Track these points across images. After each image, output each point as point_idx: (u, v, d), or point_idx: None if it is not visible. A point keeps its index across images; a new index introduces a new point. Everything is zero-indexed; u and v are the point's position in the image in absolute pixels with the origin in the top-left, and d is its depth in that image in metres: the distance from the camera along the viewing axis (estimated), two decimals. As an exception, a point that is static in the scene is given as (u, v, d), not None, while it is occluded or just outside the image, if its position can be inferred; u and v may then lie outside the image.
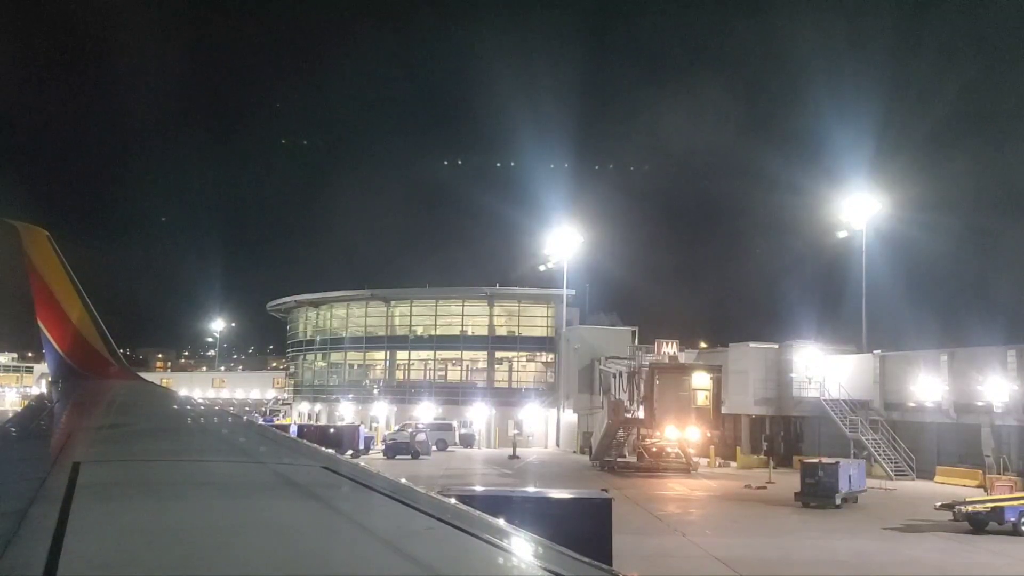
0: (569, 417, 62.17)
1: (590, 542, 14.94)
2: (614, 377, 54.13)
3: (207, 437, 5.84)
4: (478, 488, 20.28)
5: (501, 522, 3.21)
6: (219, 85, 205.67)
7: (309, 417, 71.19)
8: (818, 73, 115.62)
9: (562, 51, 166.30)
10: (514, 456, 53.05)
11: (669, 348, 47.46)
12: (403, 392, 67.23)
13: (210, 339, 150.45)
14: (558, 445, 62.09)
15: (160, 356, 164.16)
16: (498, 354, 66.87)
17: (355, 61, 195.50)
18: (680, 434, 44.20)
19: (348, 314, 71.91)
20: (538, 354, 67.24)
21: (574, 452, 59.09)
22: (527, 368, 67.60)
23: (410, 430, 58.70)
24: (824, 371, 50.70)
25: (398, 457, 51.94)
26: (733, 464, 50.37)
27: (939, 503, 28.50)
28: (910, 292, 62.22)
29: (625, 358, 55.82)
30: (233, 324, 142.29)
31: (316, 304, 73.83)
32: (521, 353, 67.13)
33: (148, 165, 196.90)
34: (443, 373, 68.95)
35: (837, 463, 33.02)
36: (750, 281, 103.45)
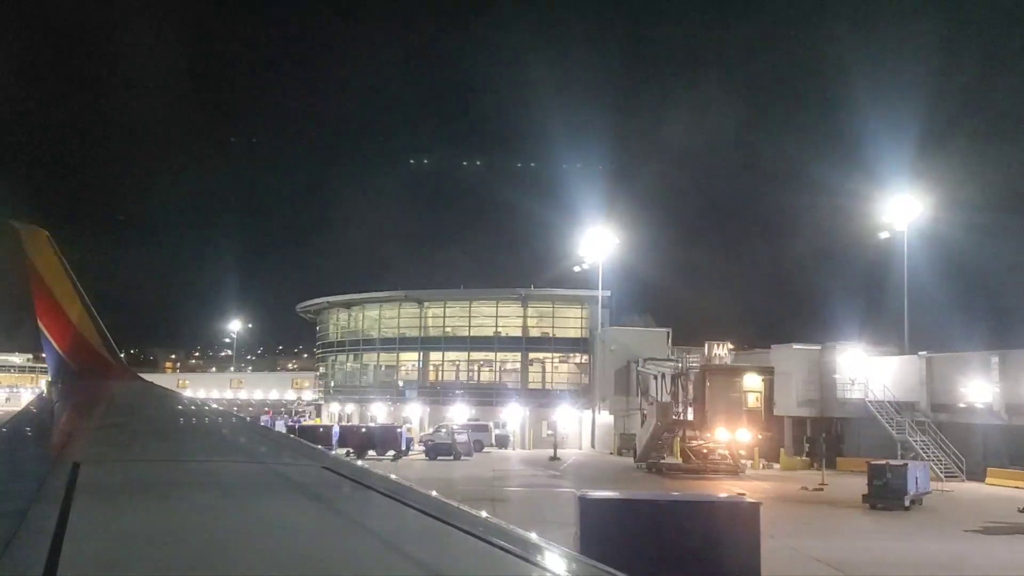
0: (604, 419, 62.10)
1: (738, 548, 14.91)
2: (655, 379, 54.12)
3: (207, 437, 5.82)
4: (616, 493, 20.14)
5: (501, 522, 3.19)
6: (239, 83, 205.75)
7: (340, 418, 71.03)
8: (860, 70, 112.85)
9: (599, 49, 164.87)
10: (555, 458, 52.94)
11: (720, 350, 47.41)
12: (436, 393, 67.18)
13: (227, 340, 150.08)
14: (593, 447, 61.98)
15: (173, 356, 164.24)
16: (531, 355, 66.81)
17: (384, 59, 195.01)
18: (731, 436, 44.15)
19: (380, 315, 71.87)
20: (571, 355, 67.18)
21: (610, 454, 59.03)
22: (560, 369, 67.53)
23: (444, 430, 58.69)
24: (867, 372, 50.71)
25: (439, 458, 51.87)
26: (776, 466, 50.24)
27: (1022, 506, 28.46)
28: (953, 293, 61.97)
29: (664, 359, 55.87)
30: (250, 325, 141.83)
31: (348, 305, 73.81)
32: (555, 354, 67.07)
33: (161, 166, 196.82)
34: (476, 374, 68.92)
35: (905, 465, 33.02)
36: (785, 282, 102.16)
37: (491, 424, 61.17)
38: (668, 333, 61.89)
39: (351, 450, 53.89)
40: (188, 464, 4.16)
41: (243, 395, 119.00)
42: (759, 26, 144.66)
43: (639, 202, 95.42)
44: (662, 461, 47.17)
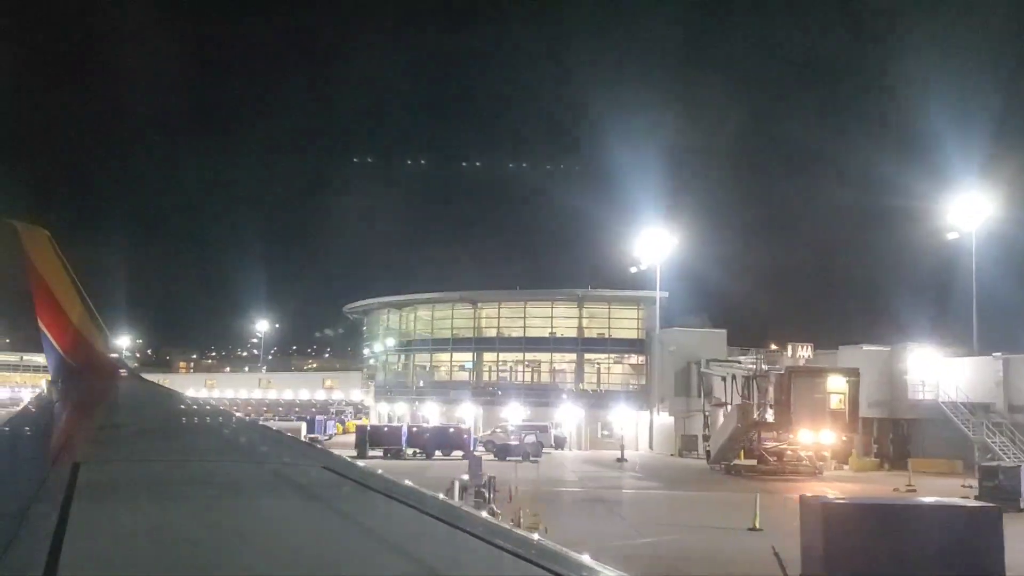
0: (663, 420, 61.97)
1: (984, 554, 14.78)
2: (722, 380, 54.04)
3: (207, 437, 5.82)
4: (860, 498, 20.03)
5: (501, 522, 3.17)
6: (253, 79, 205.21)
7: (389, 418, 70.90)
8: (927, 67, 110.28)
9: (657, 47, 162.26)
10: (622, 459, 52.86)
11: (804, 351, 47.34)
12: (490, 394, 67.03)
13: (249, 340, 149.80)
14: (651, 448, 61.83)
15: (195, 356, 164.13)
16: (587, 356, 66.68)
17: (428, 60, 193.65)
18: (814, 437, 44.12)
19: (433, 315, 71.76)
20: (626, 356, 67.03)
21: (671, 455, 58.91)
22: (615, 370, 67.36)
23: (500, 431, 58.67)
24: (938, 374, 50.74)
25: (508, 459, 51.73)
26: (846, 467, 50.17)
27: None
28: (1021, 294, 61.70)
29: (731, 360, 55.86)
30: (277, 325, 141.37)
31: (399, 306, 73.73)
32: (610, 355, 66.92)
33: (171, 168, 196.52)
34: (531, 375, 68.80)
35: (1019, 467, 32.96)
36: (847, 284, 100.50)
37: (550, 425, 61.00)
38: (726, 334, 61.79)
39: (418, 450, 53.95)
40: (188, 464, 4.15)
41: (272, 395, 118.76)
42: (820, 23, 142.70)
43: (695, 203, 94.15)
44: (735, 462, 47.20)
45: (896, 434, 53.26)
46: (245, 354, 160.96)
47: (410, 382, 73.63)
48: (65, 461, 3.76)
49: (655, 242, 63.88)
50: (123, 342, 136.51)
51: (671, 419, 61.32)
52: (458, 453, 53.87)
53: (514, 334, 68.06)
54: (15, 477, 3.76)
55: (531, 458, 52.09)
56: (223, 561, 2.46)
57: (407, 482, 3.82)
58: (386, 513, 3.30)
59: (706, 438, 56.71)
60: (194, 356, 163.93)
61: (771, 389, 45.85)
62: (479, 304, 68.99)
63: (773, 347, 60.03)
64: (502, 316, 69.27)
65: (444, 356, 71.30)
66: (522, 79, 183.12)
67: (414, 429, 57.21)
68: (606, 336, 66.55)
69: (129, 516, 2.85)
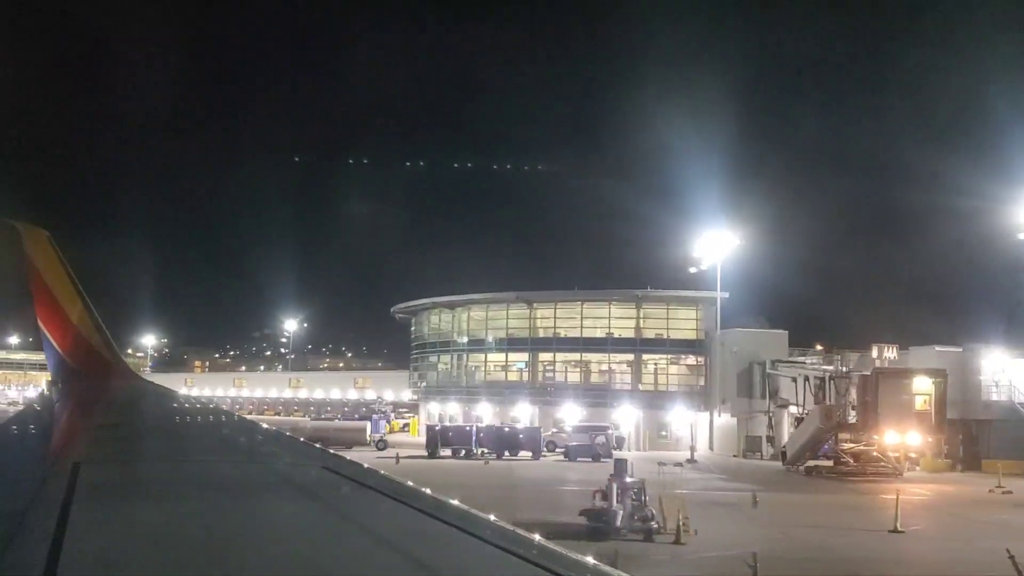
0: (722, 421, 61.79)
1: None
2: (792, 381, 53.91)
3: (207, 437, 5.89)
4: None
5: (501, 522, 3.20)
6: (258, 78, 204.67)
7: (439, 418, 70.71)
8: (997, 66, 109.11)
9: (721, 46, 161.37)
10: (692, 460, 52.69)
11: (889, 352, 47.25)
12: (546, 394, 66.85)
13: (283, 338, 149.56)
14: (711, 449, 61.64)
15: (216, 356, 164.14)
16: (644, 356, 66.47)
17: (478, 57, 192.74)
18: (900, 439, 44.04)
19: (487, 316, 71.52)
20: (683, 357, 66.80)
21: (733, 456, 58.74)
22: (673, 371, 67.12)
23: (556, 430, 58.57)
24: (1011, 375, 50.73)
25: (579, 460, 51.63)
26: (917, 468, 50.03)
27: None
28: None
29: (795, 361, 55.85)
30: (305, 324, 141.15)
31: (451, 306, 73.56)
32: (668, 356, 66.68)
33: (179, 170, 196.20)
34: (587, 375, 68.58)
35: None
36: (911, 285, 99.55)
37: (610, 425, 60.81)
38: (787, 335, 61.64)
39: (486, 450, 53.79)
40: (188, 464, 4.16)
41: (302, 394, 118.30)
42: (888, 24, 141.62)
43: (752, 203, 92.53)
44: (811, 464, 47.10)
45: (966, 435, 53.12)
46: (269, 353, 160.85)
47: (463, 382, 73.41)
48: (65, 461, 3.80)
49: (715, 243, 63.63)
50: (147, 341, 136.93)
51: (731, 420, 61.18)
52: (525, 453, 53.91)
53: (570, 334, 67.84)
54: (15, 477, 3.76)
55: (602, 459, 52.06)
56: (223, 561, 2.46)
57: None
58: (386, 513, 3.30)
59: (770, 439, 56.69)
60: (216, 355, 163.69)
61: (853, 390, 45.75)
62: (535, 304, 68.82)
63: (819, 347, 60.09)
64: (558, 316, 69.08)
65: (498, 356, 71.08)
66: (583, 78, 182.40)
67: (480, 429, 57.03)
68: (664, 337, 66.27)
69: (129, 516, 2.86)
